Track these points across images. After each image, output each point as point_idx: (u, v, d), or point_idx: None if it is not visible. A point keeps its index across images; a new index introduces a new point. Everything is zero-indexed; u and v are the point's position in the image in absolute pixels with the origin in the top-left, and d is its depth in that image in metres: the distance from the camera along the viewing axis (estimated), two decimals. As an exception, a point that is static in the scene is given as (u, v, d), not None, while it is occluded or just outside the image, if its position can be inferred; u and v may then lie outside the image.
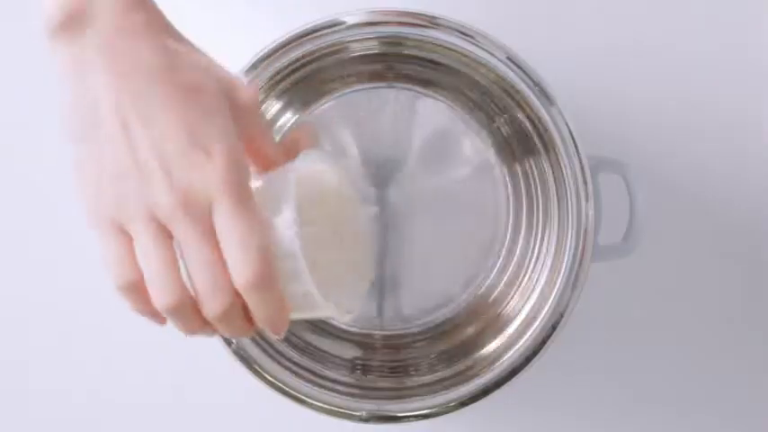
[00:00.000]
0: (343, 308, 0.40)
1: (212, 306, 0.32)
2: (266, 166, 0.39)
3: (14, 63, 0.61)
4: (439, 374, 0.51)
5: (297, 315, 0.37)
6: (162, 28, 0.35)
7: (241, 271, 0.32)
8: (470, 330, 0.55)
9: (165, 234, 0.32)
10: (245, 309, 0.34)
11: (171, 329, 0.62)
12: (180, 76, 0.33)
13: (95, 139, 0.32)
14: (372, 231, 0.54)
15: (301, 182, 0.40)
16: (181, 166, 0.32)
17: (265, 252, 0.32)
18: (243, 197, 0.32)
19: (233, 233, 0.32)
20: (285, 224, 0.35)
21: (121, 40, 0.32)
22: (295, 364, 0.49)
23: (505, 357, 0.49)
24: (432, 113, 0.55)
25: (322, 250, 0.39)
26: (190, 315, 0.33)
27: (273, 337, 0.36)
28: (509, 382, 0.48)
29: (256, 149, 0.38)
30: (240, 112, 0.35)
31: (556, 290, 0.48)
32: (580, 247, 0.48)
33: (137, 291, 0.32)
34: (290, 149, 0.40)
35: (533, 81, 0.48)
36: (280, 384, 0.48)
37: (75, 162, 0.33)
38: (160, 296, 0.32)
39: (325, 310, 0.38)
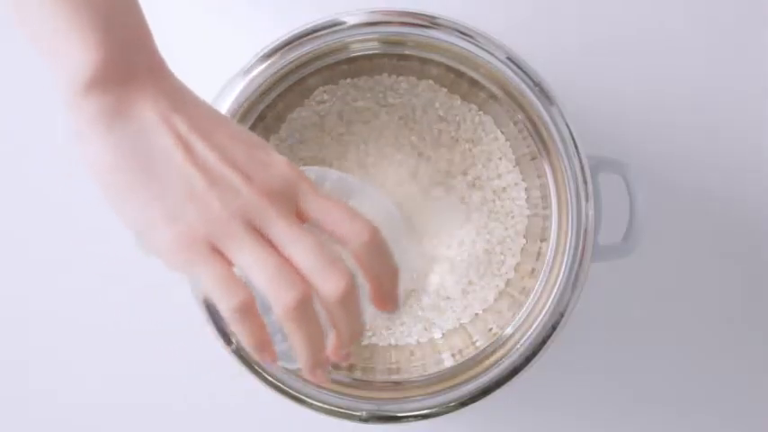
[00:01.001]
0: None
1: (335, 281, 0.32)
2: None
3: (17, 65, 0.61)
4: (439, 374, 0.51)
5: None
6: (168, 66, 0.36)
7: (360, 232, 0.33)
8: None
9: (264, 237, 0.32)
10: None
11: (172, 330, 0.62)
12: (203, 105, 0.35)
13: (151, 178, 0.32)
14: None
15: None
16: (255, 168, 0.33)
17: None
18: (308, 181, 0.34)
19: (334, 208, 0.33)
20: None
21: (162, 81, 0.33)
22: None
23: (505, 357, 0.49)
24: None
25: None
26: (312, 311, 0.33)
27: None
28: (509, 382, 0.48)
29: None
30: None
31: (556, 290, 0.48)
32: (580, 247, 0.48)
33: (251, 312, 0.32)
34: None
35: (533, 81, 0.48)
36: (280, 384, 0.48)
37: (135, 212, 0.32)
38: (287, 293, 0.31)
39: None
